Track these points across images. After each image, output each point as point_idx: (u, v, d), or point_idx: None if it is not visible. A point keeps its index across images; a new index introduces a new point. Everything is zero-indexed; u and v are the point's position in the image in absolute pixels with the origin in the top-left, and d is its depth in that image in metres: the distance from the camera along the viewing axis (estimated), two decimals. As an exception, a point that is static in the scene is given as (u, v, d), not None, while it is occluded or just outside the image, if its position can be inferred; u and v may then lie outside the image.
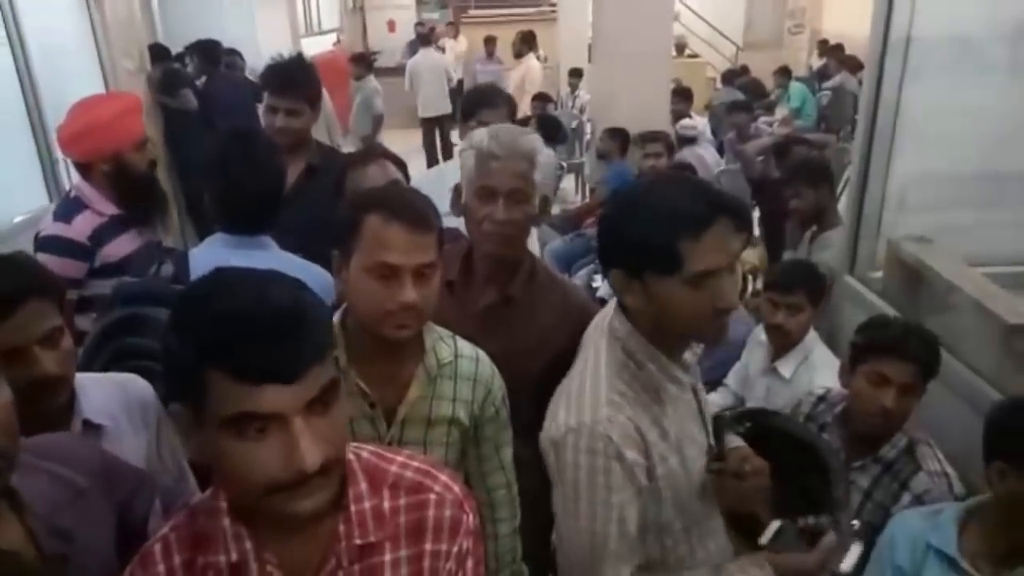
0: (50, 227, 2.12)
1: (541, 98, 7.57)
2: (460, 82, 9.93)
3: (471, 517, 0.94)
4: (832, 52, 9.65)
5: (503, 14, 11.26)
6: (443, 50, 9.71)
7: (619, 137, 5.14)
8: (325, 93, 5.29)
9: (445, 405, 1.34)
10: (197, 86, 5.42)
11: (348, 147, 6.71)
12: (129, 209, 2.18)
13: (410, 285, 1.21)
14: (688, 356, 1.24)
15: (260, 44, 7.70)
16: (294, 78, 2.44)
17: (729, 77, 8.84)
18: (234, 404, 0.75)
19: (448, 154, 8.33)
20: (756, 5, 13.17)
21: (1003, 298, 2.07)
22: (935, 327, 1.90)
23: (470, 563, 0.93)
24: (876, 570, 1.68)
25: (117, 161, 2.14)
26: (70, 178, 3.58)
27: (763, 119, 7.45)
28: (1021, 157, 2.47)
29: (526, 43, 8.60)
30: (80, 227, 2.11)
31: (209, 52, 5.75)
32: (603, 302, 3.43)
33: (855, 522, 1.48)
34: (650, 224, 1.08)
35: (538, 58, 9.12)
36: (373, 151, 2.20)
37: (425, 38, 9.08)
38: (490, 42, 9.61)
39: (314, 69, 2.56)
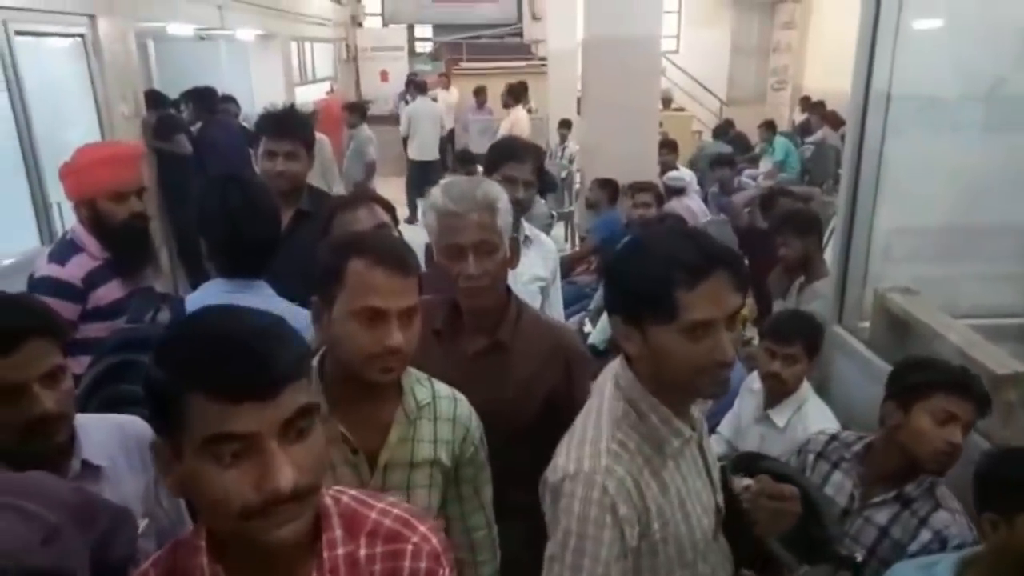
0: (44, 268, 2.13)
1: (530, 149, 7.69)
2: (451, 131, 10.10)
3: (447, 571, 0.94)
4: (814, 108, 9.94)
5: (494, 67, 11.48)
6: (435, 100, 9.90)
7: (608, 187, 5.24)
8: (325, 138, 5.40)
9: (426, 447, 1.34)
10: (192, 131, 5.47)
11: (341, 193, 6.79)
12: (112, 256, 2.18)
13: (396, 329, 1.22)
14: (695, 411, 1.24)
15: (255, 92, 7.83)
16: (291, 123, 2.47)
17: (718, 132, 9.08)
18: (211, 425, 0.76)
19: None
20: (740, 62, 13.56)
21: (988, 349, 2.11)
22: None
23: None
24: (872, 622, 1.67)
25: (91, 208, 2.16)
26: (63, 222, 3.59)
27: (747, 172, 7.62)
28: (995, 212, 2.53)
29: (512, 95, 8.79)
30: (73, 269, 2.12)
31: (204, 98, 5.81)
32: (593, 349, 3.47)
33: (858, 555, 1.48)
34: (648, 271, 1.10)
35: (529, 110, 9.31)
36: (363, 195, 2.21)
37: (421, 86, 9.33)
38: (480, 92, 9.83)
39: (308, 116, 2.61)
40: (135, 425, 1.36)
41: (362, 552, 0.90)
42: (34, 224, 3.69)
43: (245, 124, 6.01)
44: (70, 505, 1.09)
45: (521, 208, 2.32)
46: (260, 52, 8.23)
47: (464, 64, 12.10)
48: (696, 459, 1.23)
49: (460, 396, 1.40)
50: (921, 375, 1.83)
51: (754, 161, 8.56)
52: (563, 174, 7.72)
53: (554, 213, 6.56)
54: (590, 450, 1.14)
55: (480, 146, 8.23)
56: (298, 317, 1.62)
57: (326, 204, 2.45)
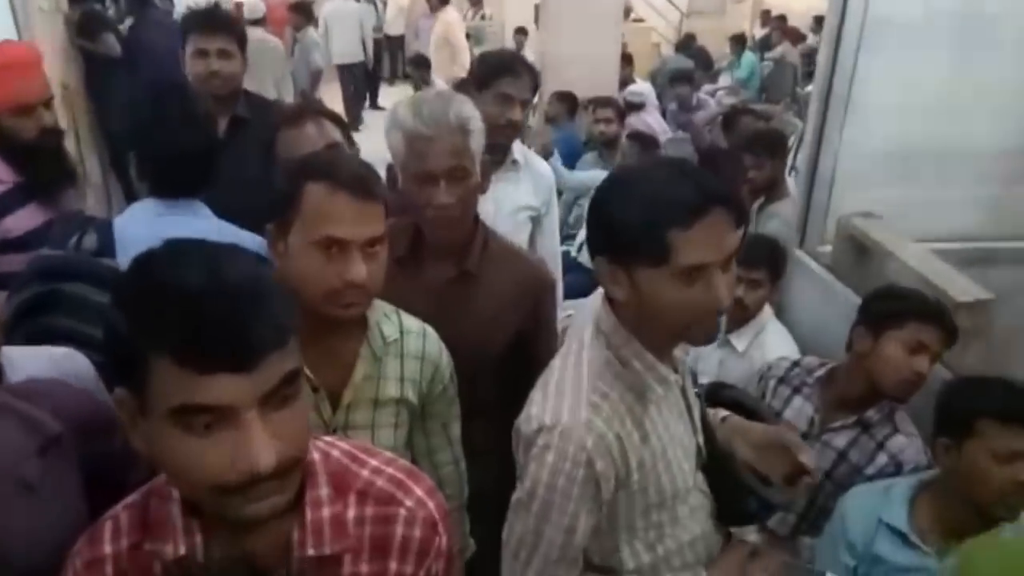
0: None
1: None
2: (394, 38, 9.56)
3: (444, 539, 0.87)
4: (775, 22, 9.75)
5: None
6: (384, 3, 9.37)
7: (567, 100, 5.08)
8: (279, 42, 5.04)
9: (392, 385, 1.27)
10: (121, 30, 5.04)
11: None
12: (25, 179, 1.94)
13: (359, 261, 1.12)
14: (678, 353, 1.18)
15: (190, -12, 7.26)
16: (221, 17, 2.25)
17: (681, 46, 8.86)
18: (178, 395, 0.66)
19: (356, 120, 8.15)
20: (701, -29, 13.14)
21: (949, 275, 2.11)
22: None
23: None
24: (829, 546, 1.71)
25: None
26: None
27: (705, 88, 7.48)
28: (960, 135, 2.51)
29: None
30: None
31: (135, -8, 5.36)
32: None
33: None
34: (639, 209, 1.01)
35: (483, 16, 8.87)
36: (308, 108, 1.97)
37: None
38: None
39: (234, 14, 2.38)
40: (73, 361, 1.24)
41: (350, 513, 0.83)
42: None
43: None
44: (77, 416, 1.04)
45: (516, 130, 2.15)
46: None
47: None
48: (678, 400, 1.19)
49: (430, 331, 1.32)
50: (896, 303, 1.84)
51: (713, 77, 8.43)
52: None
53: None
54: (570, 401, 1.07)
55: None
56: (245, 242, 1.51)
57: (268, 113, 2.26)
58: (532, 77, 2.18)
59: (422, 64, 7.59)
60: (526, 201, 2.20)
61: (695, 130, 5.20)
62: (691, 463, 1.19)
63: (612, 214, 1.06)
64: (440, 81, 7.08)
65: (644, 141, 4.25)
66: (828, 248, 2.63)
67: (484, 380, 1.44)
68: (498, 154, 2.18)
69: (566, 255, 3.11)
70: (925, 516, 1.60)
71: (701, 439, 1.23)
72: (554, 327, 1.64)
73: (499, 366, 1.49)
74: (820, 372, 1.99)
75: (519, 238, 2.19)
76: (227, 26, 2.21)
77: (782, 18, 9.66)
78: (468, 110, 1.42)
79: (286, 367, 0.71)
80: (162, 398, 0.67)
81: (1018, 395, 1.48)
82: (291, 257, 1.15)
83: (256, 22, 5.64)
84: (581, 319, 1.23)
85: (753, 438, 1.27)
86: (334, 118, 1.85)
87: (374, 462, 0.88)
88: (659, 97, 6.52)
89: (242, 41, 2.25)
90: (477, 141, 1.43)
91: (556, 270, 2.43)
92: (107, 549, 0.82)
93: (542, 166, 2.34)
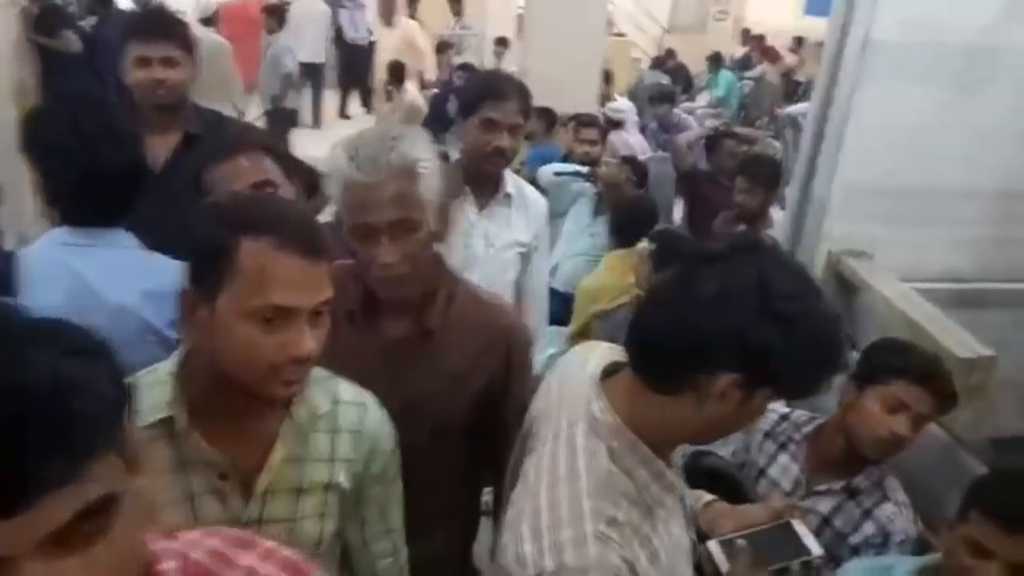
0: None
1: (465, 68, 7.26)
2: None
3: None
4: (755, 42, 9.78)
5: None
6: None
7: (546, 116, 4.95)
8: (230, 47, 4.84)
9: (320, 468, 1.05)
10: (83, 27, 4.83)
11: (255, 108, 6.23)
12: None
13: (307, 332, 0.93)
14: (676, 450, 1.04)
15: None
16: (165, 21, 2.02)
17: (658, 62, 8.81)
18: None
19: (317, 120, 8.06)
20: (683, -12, 13.19)
21: (945, 325, 2.02)
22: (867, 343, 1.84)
23: None
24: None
25: None
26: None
27: (684, 106, 7.43)
28: (956, 176, 2.44)
29: None
30: None
31: (98, -11, 5.15)
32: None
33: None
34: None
35: (463, 27, 8.69)
36: (245, 137, 1.74)
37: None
38: (413, 2, 9.07)
39: (181, 18, 2.17)
40: None
41: None
42: None
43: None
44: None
45: (505, 159, 1.96)
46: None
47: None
48: (675, 505, 1.04)
49: (370, 400, 1.11)
50: (889, 358, 1.72)
51: (692, 95, 8.40)
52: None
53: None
54: (571, 534, 0.88)
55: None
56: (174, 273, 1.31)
57: (226, 129, 2.04)
58: (521, 99, 1.96)
59: (397, 71, 7.44)
60: (517, 237, 2.05)
61: (676, 150, 5.12)
62: (690, 563, 1.06)
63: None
64: (411, 87, 6.97)
65: (634, 165, 4.13)
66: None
67: (447, 445, 1.28)
68: (488, 185, 2.04)
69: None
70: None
71: (693, 533, 1.09)
72: (524, 392, 1.33)
73: (464, 430, 1.32)
74: (808, 428, 1.86)
75: (506, 277, 2.06)
76: (170, 31, 1.99)
77: (761, 37, 9.69)
78: (416, 149, 1.19)
79: (83, 500, 0.53)
80: None
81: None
82: (218, 327, 0.93)
83: (206, 21, 5.45)
84: (567, 416, 1.00)
85: (750, 521, 1.15)
86: (274, 151, 1.59)
87: (247, 560, 0.70)
88: (639, 113, 6.45)
89: (188, 46, 2.01)
90: (429, 184, 1.19)
91: (542, 310, 2.29)
92: None
93: (535, 198, 2.17)
